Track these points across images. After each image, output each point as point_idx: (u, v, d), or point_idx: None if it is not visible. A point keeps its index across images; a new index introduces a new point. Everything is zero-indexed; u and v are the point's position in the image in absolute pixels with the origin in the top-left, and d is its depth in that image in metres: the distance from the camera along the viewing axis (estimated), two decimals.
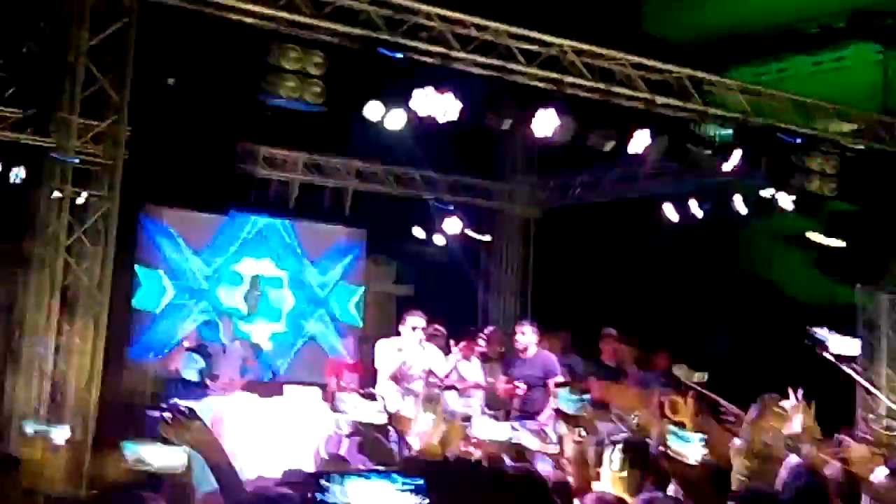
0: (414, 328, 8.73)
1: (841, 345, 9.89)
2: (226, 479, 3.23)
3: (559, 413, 4.78)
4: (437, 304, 9.76)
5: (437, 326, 9.32)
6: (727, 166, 9.05)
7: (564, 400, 4.75)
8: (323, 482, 2.37)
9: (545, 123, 8.25)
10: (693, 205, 11.11)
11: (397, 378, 8.66)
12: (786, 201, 9.62)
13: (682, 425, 4.87)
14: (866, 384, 9.45)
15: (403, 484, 2.57)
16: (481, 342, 10.01)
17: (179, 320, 11.35)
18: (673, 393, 7.16)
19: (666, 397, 5.17)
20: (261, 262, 12.10)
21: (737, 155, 8.97)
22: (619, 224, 14.86)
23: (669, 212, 11.35)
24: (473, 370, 9.63)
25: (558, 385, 4.66)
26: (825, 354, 9.73)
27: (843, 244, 9.62)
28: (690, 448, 4.16)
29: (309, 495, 2.31)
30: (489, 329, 10.83)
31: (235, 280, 11.93)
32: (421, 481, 2.59)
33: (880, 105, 10.09)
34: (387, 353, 8.77)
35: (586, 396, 4.85)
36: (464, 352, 9.68)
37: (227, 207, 11.13)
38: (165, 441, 3.46)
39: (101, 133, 7.03)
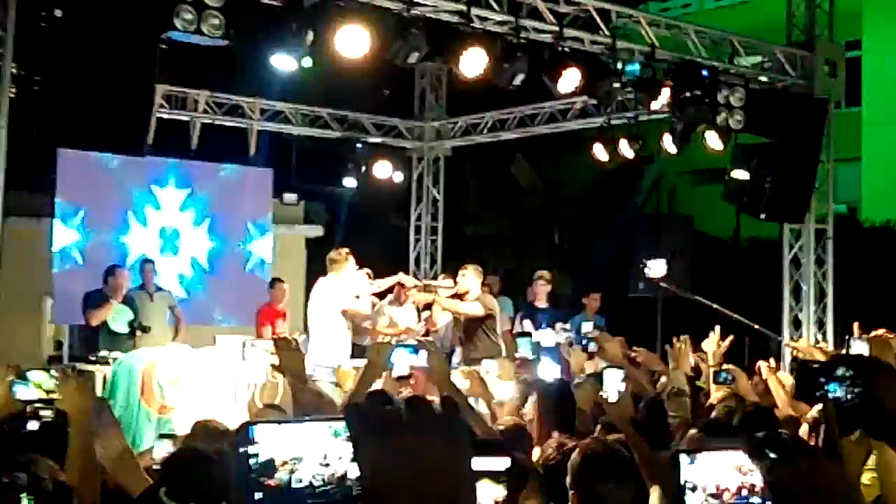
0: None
1: (656, 268, 10.13)
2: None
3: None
4: (348, 245, 9.60)
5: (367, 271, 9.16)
6: (656, 104, 8.95)
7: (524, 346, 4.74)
8: (250, 434, 2.26)
9: (455, 58, 8.08)
10: (623, 145, 10.92)
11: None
12: (713, 140, 9.54)
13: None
14: (723, 310, 9.59)
15: (335, 429, 2.53)
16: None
17: (76, 268, 10.94)
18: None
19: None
20: (166, 205, 11.72)
21: (665, 93, 8.86)
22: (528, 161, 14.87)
23: (599, 152, 11.10)
24: (405, 315, 9.52)
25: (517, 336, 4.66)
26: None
27: (748, 176, 9.73)
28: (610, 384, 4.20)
29: (240, 450, 2.21)
30: (441, 276, 10.70)
31: (141, 224, 11.56)
32: (344, 424, 2.58)
33: (784, 38, 10.21)
34: (334, 291, 8.55)
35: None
36: (395, 297, 9.59)
37: (140, 149, 10.68)
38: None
39: None
